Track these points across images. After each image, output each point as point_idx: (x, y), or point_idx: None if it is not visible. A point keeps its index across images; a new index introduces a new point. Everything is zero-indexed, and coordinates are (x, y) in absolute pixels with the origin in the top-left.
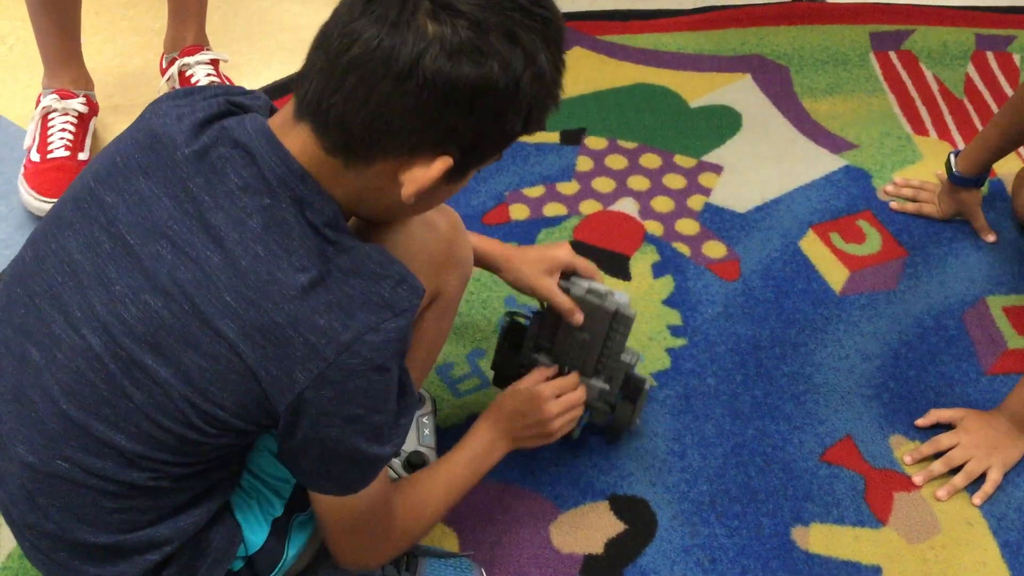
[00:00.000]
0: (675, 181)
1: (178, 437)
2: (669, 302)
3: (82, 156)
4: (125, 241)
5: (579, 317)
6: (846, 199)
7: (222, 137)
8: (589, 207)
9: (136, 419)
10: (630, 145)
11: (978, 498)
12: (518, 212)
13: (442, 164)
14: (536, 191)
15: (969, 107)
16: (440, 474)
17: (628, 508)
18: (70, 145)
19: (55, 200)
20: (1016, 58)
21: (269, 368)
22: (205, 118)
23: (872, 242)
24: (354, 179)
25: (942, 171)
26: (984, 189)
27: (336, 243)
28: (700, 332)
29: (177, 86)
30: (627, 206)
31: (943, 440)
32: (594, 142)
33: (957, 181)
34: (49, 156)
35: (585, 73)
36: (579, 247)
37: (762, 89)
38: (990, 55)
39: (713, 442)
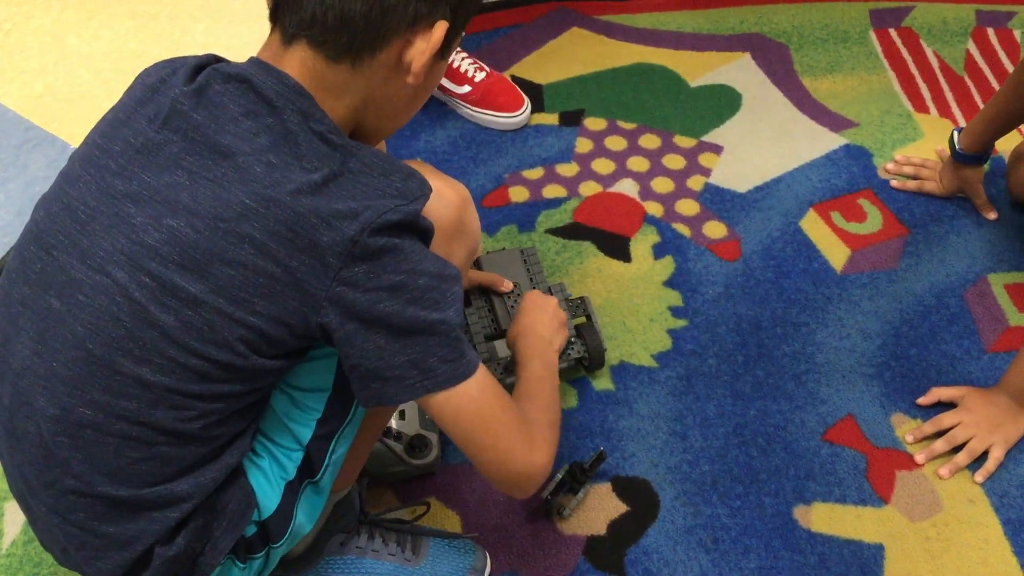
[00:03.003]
0: (675, 162)
1: (207, 361)
2: (670, 283)
3: (487, 67)
4: (141, 179)
5: (508, 284)
6: (847, 178)
7: (215, 76)
8: (589, 189)
9: (162, 347)
10: (629, 126)
11: (980, 476)
12: (517, 194)
13: (442, 27)
14: (535, 173)
15: (970, 84)
16: (522, 381)
17: (630, 489)
18: (481, 66)
19: (521, 109)
20: (1017, 34)
21: (302, 259)
22: (197, 64)
23: (873, 221)
24: (360, 80)
25: (943, 148)
26: (986, 166)
27: (343, 147)
28: (701, 313)
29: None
30: (627, 187)
31: (945, 419)
32: (593, 123)
33: (960, 158)
34: (477, 80)
35: (583, 54)
36: (579, 229)
37: (762, 68)
38: (990, 31)
39: (715, 422)
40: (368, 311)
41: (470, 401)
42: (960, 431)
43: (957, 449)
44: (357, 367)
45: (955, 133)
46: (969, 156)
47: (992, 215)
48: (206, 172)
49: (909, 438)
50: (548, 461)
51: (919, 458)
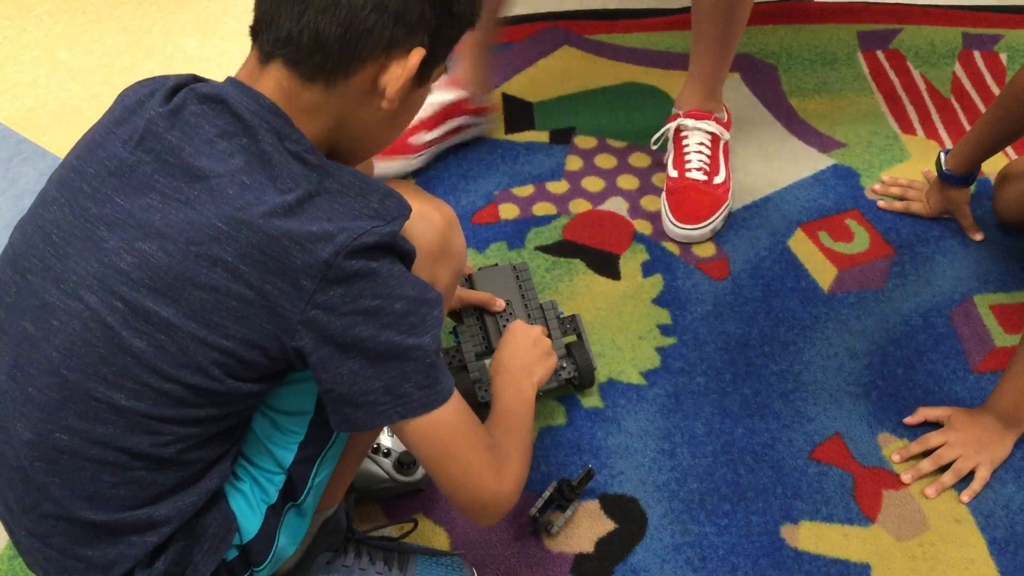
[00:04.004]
0: (664, 180)
1: (181, 385)
2: (659, 301)
3: (717, 180)
4: (114, 202)
5: (500, 303)
6: (834, 198)
7: (191, 96)
8: (579, 206)
9: (136, 373)
10: (620, 144)
11: (966, 496)
12: (507, 212)
13: (418, 55)
14: (526, 190)
15: (956, 106)
16: (496, 412)
17: (618, 507)
18: (705, 170)
19: (691, 226)
20: (1003, 57)
21: (275, 282)
22: (175, 86)
23: (860, 241)
24: (334, 102)
25: (929, 169)
26: (972, 188)
27: (319, 167)
28: (689, 331)
29: (670, 144)
30: (617, 205)
31: (932, 438)
32: (583, 141)
33: (947, 179)
34: (686, 175)
35: (574, 72)
36: (569, 246)
37: (751, 88)
38: (977, 54)
39: (703, 440)
40: (343, 335)
41: (442, 428)
42: (947, 451)
43: (943, 468)
44: (330, 391)
45: (942, 154)
46: (956, 177)
47: (978, 236)
48: (178, 194)
49: (896, 457)
50: (515, 490)
51: (905, 477)
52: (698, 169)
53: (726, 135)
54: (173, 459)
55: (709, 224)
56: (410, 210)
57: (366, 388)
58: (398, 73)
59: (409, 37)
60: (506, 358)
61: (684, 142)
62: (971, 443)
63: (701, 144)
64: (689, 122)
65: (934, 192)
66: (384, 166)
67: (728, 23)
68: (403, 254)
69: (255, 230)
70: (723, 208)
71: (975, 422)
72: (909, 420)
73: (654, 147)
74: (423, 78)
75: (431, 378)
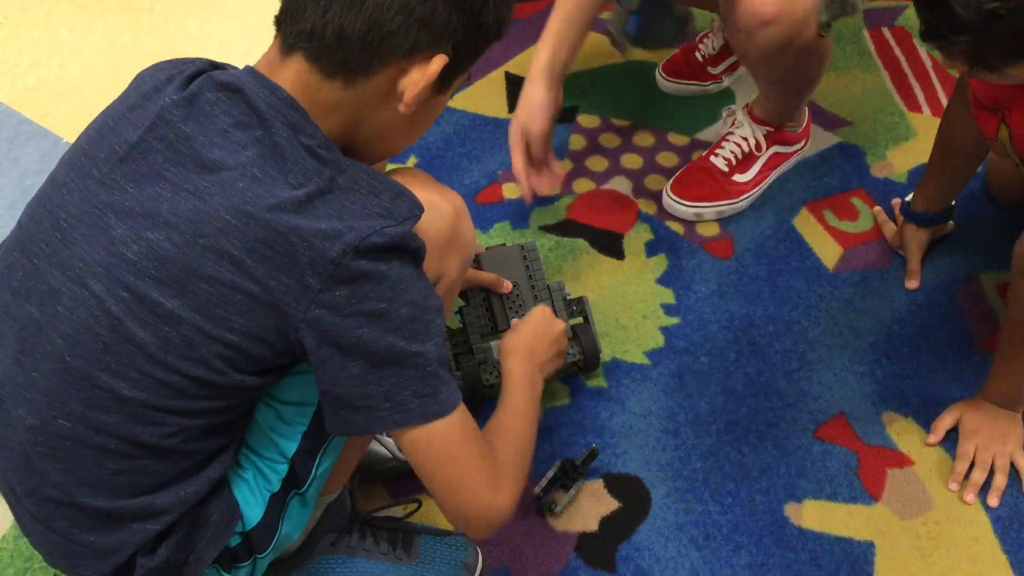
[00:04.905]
0: (668, 159)
1: (184, 377)
2: (662, 280)
3: (739, 177)
4: (124, 190)
5: (508, 285)
6: (839, 176)
7: (208, 84)
8: (582, 186)
9: (139, 363)
10: (623, 123)
11: None
12: (511, 191)
13: (439, 61)
14: None
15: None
16: (505, 411)
17: (622, 486)
18: (731, 162)
19: (690, 203)
20: None
21: (280, 278)
22: (192, 73)
23: (865, 219)
24: (352, 100)
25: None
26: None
27: (332, 162)
28: (693, 310)
29: (724, 124)
30: (620, 184)
31: (967, 450)
32: (587, 120)
33: (928, 221)
34: (711, 158)
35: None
36: (572, 226)
37: None
38: None
39: (706, 420)
40: (345, 336)
41: (439, 440)
42: (983, 454)
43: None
44: (328, 392)
45: (905, 200)
46: (935, 216)
47: (914, 284)
48: (188, 184)
49: (953, 486)
50: (511, 504)
51: (969, 498)
52: (724, 159)
53: (775, 147)
54: (175, 449)
55: (698, 208)
56: (422, 210)
57: (365, 392)
58: (417, 78)
59: (433, 43)
60: (527, 343)
61: (731, 129)
62: (996, 437)
63: (744, 139)
64: (745, 118)
65: (909, 237)
66: None
67: (775, 67)
68: (412, 253)
69: (263, 224)
70: (723, 203)
71: (986, 416)
72: (932, 440)
73: (726, 114)
74: (444, 85)
75: (431, 388)
